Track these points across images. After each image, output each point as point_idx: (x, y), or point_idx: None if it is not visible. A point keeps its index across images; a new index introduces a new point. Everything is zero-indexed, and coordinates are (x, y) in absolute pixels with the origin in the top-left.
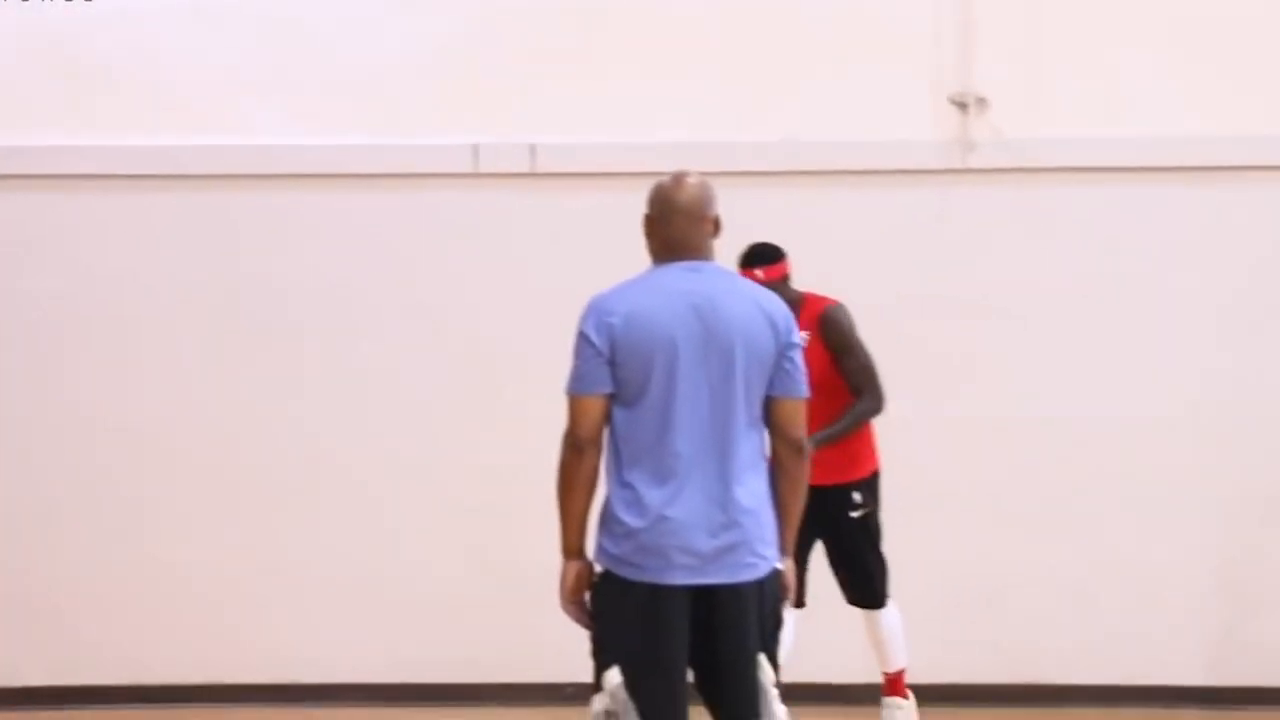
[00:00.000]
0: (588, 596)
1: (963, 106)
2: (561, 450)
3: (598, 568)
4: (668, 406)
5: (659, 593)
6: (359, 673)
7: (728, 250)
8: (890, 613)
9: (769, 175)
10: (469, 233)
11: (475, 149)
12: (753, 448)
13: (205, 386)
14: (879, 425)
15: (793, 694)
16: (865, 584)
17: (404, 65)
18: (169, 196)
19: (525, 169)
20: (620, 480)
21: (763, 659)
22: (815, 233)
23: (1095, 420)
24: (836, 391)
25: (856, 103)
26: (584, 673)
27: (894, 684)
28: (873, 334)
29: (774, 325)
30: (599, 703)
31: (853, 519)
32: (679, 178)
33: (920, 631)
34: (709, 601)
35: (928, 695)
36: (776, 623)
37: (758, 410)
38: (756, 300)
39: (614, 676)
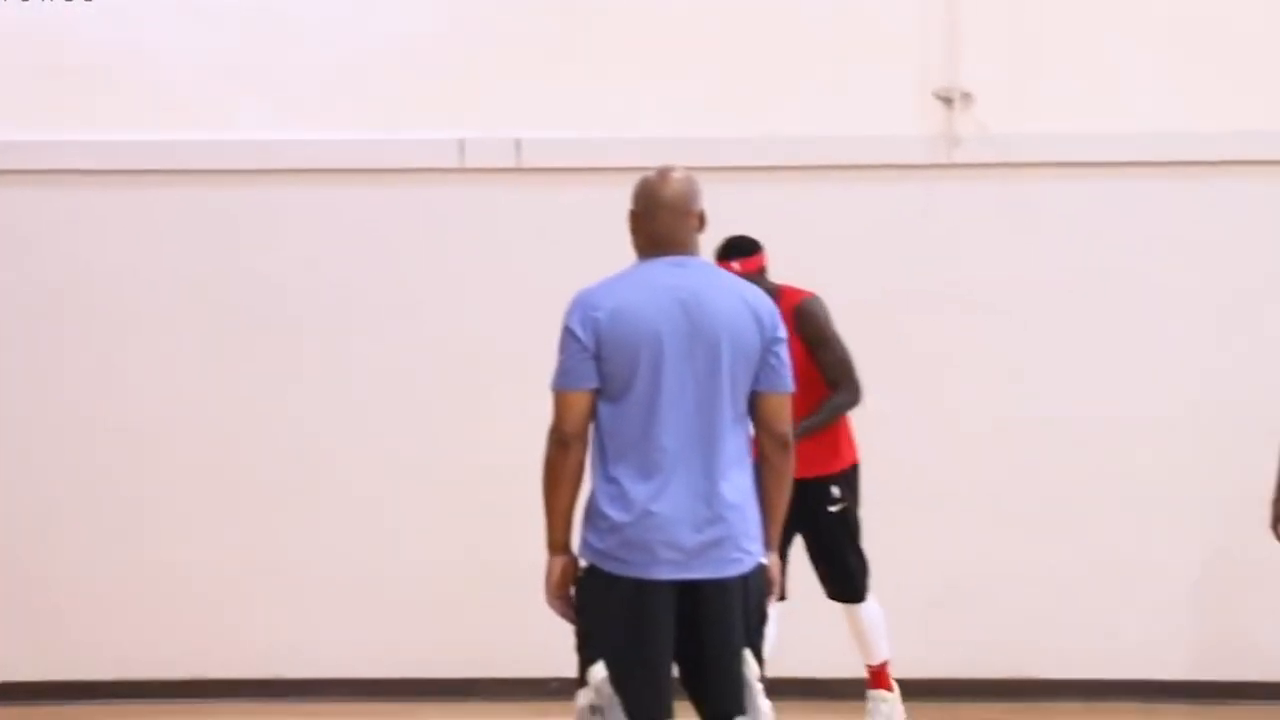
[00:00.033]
0: (573, 591)
1: (948, 101)
2: (547, 445)
3: (583, 562)
4: (653, 401)
5: (644, 588)
6: (346, 668)
7: (710, 245)
8: (870, 606)
9: (754, 170)
10: (454, 227)
11: (461, 143)
12: (738, 443)
13: (193, 378)
14: (862, 419)
15: (778, 689)
16: (845, 579)
17: (389, 60)
18: (157, 191)
19: (511, 164)
20: (605, 475)
21: (748, 654)
22: (800, 227)
23: (1078, 416)
24: (813, 384)
25: (842, 98)
26: (569, 668)
27: (878, 677)
28: (857, 329)
29: (759, 320)
30: (584, 697)
31: (831, 513)
32: (664, 173)
33: (906, 627)
34: (694, 596)
35: (915, 690)
36: (761, 618)
37: (743, 405)
38: (742, 295)
39: (599, 671)
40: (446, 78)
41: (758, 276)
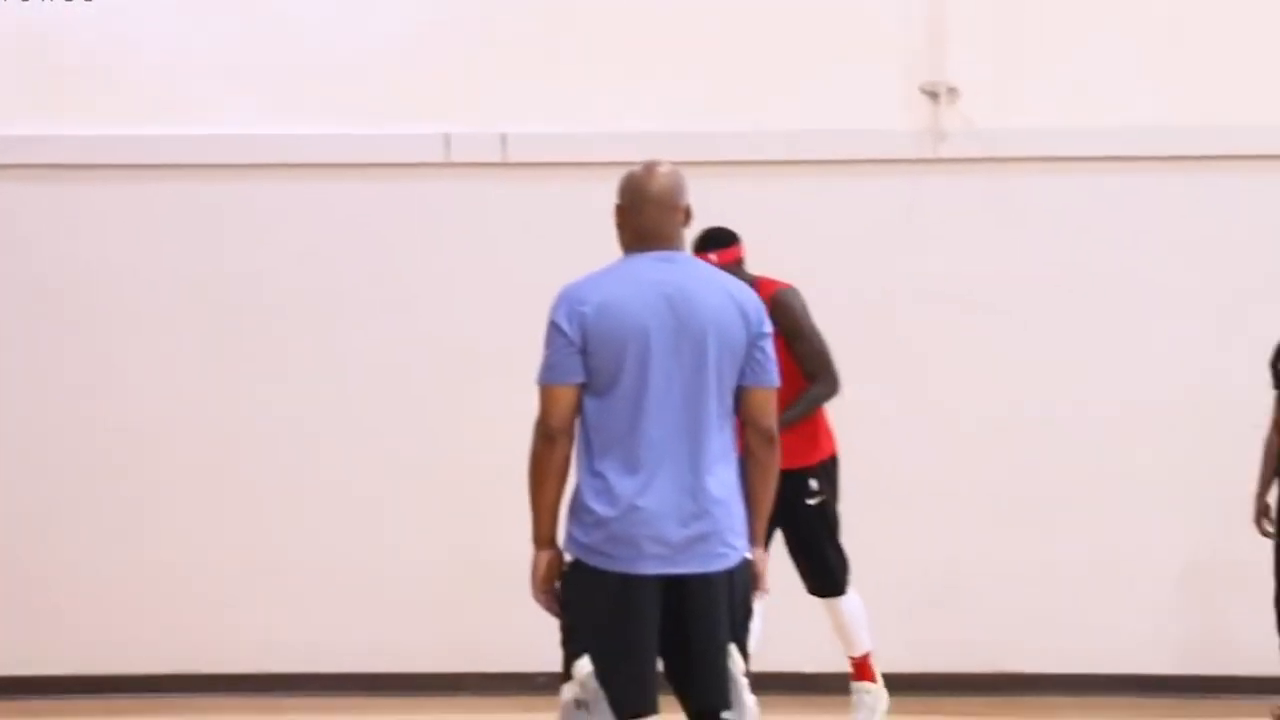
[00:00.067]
0: (559, 586)
1: (934, 96)
2: (533, 440)
3: (568, 557)
4: (639, 396)
5: (630, 582)
6: (333, 663)
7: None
8: (850, 598)
9: (740, 165)
10: (441, 221)
11: (447, 138)
12: (724, 438)
13: (180, 373)
14: (847, 413)
15: (762, 683)
16: (824, 574)
17: (376, 55)
18: (142, 186)
19: (497, 158)
20: (591, 470)
21: (733, 649)
22: (787, 222)
23: (1063, 411)
24: (791, 376)
25: (828, 93)
26: (555, 662)
27: (861, 668)
28: (843, 323)
29: (745, 315)
30: (569, 692)
31: (810, 506)
32: (650, 167)
33: (891, 623)
34: (679, 591)
35: (899, 685)
36: (747, 612)
37: (729, 400)
38: (728, 290)
39: (584, 666)
40: (433, 73)
41: (735, 268)
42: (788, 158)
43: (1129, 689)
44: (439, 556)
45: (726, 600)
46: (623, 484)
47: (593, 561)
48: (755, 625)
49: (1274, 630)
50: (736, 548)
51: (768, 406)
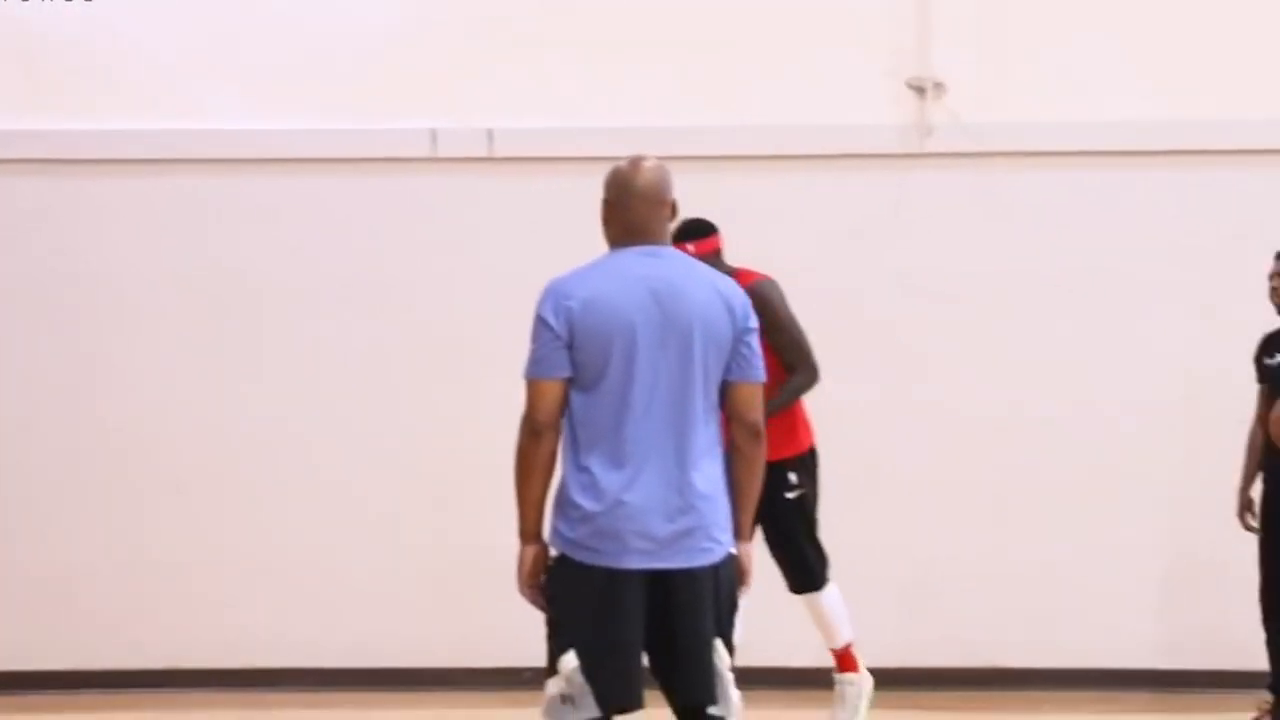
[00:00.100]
0: (544, 580)
1: (920, 91)
2: (519, 434)
3: (554, 552)
4: (625, 391)
5: (615, 577)
6: (318, 658)
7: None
8: (829, 591)
9: (727, 160)
10: (427, 216)
11: (433, 133)
12: (710, 433)
13: (168, 365)
14: (832, 408)
15: (748, 678)
16: (803, 569)
17: (363, 50)
18: (129, 180)
19: (483, 153)
20: (577, 464)
21: (718, 644)
22: (773, 216)
23: (1048, 406)
24: (772, 368)
25: (814, 87)
26: (541, 657)
27: (843, 660)
28: (828, 317)
29: (731, 310)
30: (554, 686)
31: (788, 499)
32: (636, 162)
33: (874, 617)
34: (665, 586)
35: (882, 680)
36: (732, 607)
37: (715, 396)
38: (715, 285)
39: (570, 660)
40: (418, 68)
41: (713, 258)
42: (774, 153)
43: (1116, 684)
44: (423, 550)
45: (712, 595)
46: (608, 479)
47: (578, 556)
48: (739, 620)
49: (1259, 624)
50: (722, 543)
51: (754, 401)
